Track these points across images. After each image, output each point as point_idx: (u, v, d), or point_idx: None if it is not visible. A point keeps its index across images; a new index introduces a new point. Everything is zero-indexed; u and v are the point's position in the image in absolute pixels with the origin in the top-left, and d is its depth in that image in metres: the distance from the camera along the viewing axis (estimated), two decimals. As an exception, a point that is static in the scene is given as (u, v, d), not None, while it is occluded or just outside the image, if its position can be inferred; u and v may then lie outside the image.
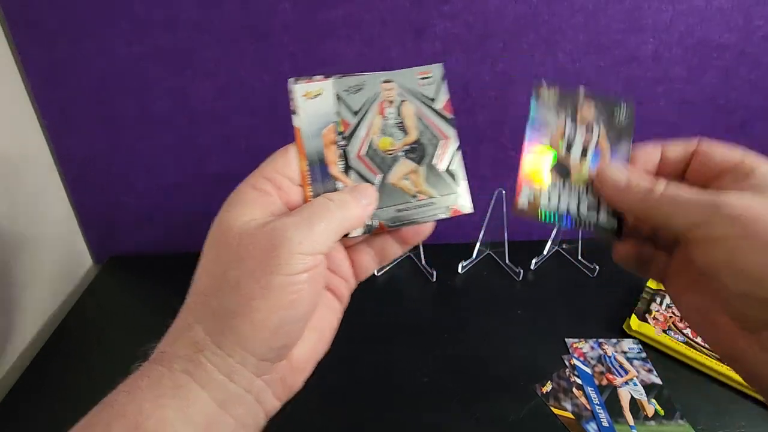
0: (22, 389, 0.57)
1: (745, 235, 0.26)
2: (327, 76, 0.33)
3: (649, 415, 0.50)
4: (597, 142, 0.34)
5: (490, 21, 0.62)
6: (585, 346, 0.58)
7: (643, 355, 0.57)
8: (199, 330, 0.26)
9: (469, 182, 0.33)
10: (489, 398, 0.53)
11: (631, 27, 0.63)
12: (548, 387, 0.54)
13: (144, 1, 0.60)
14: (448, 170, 0.33)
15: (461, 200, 0.33)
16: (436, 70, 0.34)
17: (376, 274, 0.72)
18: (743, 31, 0.63)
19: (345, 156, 0.32)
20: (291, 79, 0.32)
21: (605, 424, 0.49)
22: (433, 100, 0.34)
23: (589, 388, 0.53)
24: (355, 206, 0.30)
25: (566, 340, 0.59)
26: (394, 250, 0.34)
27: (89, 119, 0.68)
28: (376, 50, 0.64)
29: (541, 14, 0.62)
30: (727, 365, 0.30)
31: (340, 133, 0.32)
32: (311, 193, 0.31)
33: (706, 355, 0.54)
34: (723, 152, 0.31)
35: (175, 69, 0.65)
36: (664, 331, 0.58)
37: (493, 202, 0.67)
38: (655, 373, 0.55)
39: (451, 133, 0.33)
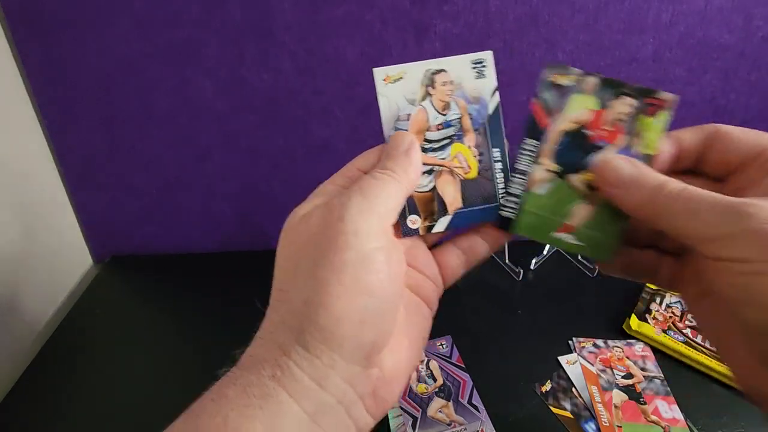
0: (23, 389, 0.57)
1: None
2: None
3: (649, 415, 0.50)
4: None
5: (490, 21, 0.62)
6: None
7: (643, 355, 0.57)
8: (283, 329, 0.24)
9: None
10: (489, 398, 0.53)
11: (631, 27, 0.63)
12: (548, 387, 0.54)
13: None
14: None
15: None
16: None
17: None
18: (743, 31, 0.63)
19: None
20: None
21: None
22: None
23: (589, 388, 0.53)
24: (400, 164, 0.28)
25: (566, 340, 0.59)
26: (482, 249, 0.32)
27: (89, 118, 0.68)
28: (376, 49, 0.64)
29: (542, 14, 0.62)
30: (743, 392, 0.27)
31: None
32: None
33: (706, 354, 0.54)
34: (743, 137, 0.26)
35: (175, 67, 0.65)
36: (664, 331, 0.58)
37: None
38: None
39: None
